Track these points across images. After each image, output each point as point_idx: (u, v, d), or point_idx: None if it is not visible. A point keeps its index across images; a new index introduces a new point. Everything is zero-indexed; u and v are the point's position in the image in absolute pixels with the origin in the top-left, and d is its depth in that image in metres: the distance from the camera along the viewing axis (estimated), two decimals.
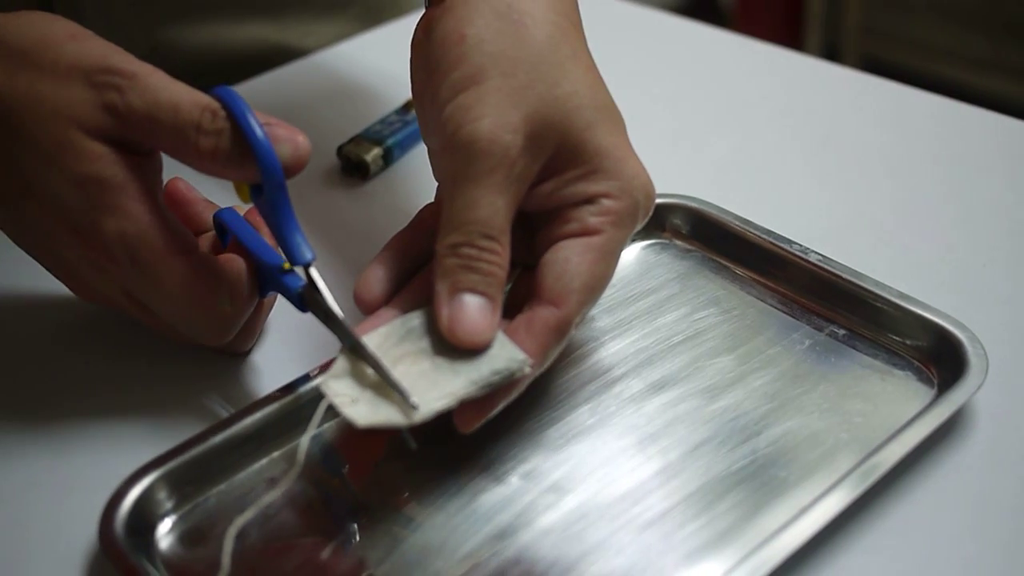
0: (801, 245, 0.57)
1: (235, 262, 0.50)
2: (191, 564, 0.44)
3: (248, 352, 0.54)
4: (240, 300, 0.49)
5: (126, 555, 0.43)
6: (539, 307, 0.47)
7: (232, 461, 0.48)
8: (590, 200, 0.48)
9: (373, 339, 0.47)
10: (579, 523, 0.45)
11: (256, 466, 0.48)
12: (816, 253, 0.56)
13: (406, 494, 0.47)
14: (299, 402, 0.49)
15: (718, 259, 0.59)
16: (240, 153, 0.46)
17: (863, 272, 0.55)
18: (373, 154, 0.68)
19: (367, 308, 0.49)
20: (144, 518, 0.45)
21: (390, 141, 0.69)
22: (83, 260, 0.48)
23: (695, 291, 0.57)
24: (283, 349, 0.54)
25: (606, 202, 0.48)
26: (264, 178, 0.46)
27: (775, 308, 0.56)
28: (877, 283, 0.54)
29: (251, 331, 0.53)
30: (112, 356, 0.55)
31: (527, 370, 0.46)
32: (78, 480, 0.48)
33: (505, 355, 0.46)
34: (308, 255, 0.48)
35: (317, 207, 0.66)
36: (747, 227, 0.59)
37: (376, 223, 0.64)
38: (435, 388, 0.45)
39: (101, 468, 0.47)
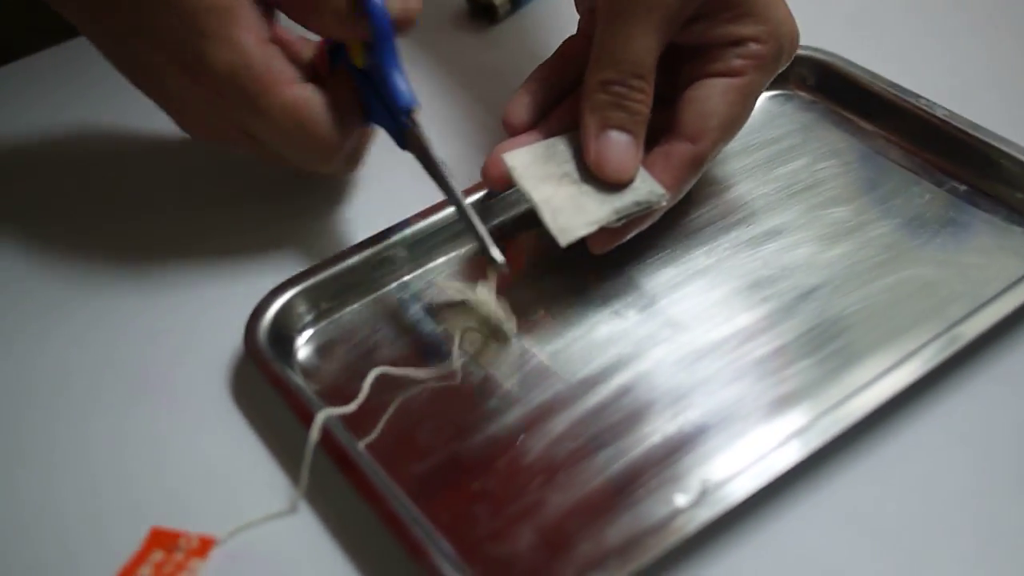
0: (928, 99, 0.57)
1: (341, 89, 0.51)
2: (326, 373, 0.47)
3: (351, 175, 0.56)
4: (345, 127, 0.50)
5: (269, 360, 0.46)
6: (676, 142, 0.49)
7: (365, 282, 0.51)
8: (737, 42, 0.49)
9: (519, 157, 0.49)
10: (690, 357, 0.47)
11: (387, 289, 0.51)
12: (942, 108, 0.56)
13: (529, 319, 0.49)
14: (430, 230, 0.52)
15: (842, 111, 0.59)
16: (354, 11, 0.47)
17: (990, 129, 0.55)
18: None
19: (514, 131, 0.52)
20: (285, 329, 0.48)
21: None
22: (193, 95, 0.49)
23: (817, 142, 0.58)
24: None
25: (753, 46, 0.49)
26: (375, 34, 0.48)
27: (896, 162, 0.56)
28: (1001, 139, 0.54)
29: (356, 157, 0.54)
30: (246, 191, 0.58)
31: (664, 203, 0.49)
32: (224, 296, 0.51)
33: (645, 188, 0.48)
34: (412, 100, 0.49)
35: (445, 50, 0.67)
36: (873, 80, 0.59)
37: (504, 66, 0.65)
38: (581, 214, 0.48)
39: (244, 286, 0.50)
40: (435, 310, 0.50)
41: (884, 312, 0.49)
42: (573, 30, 0.54)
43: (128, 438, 0.46)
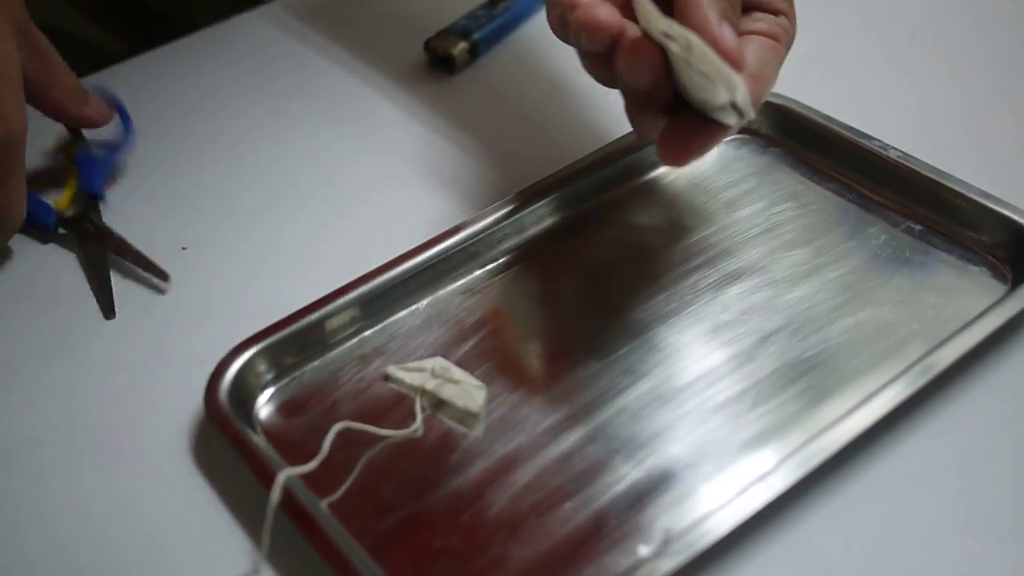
0: (881, 141, 0.57)
1: None
2: (288, 432, 0.47)
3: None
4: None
5: (230, 420, 0.46)
6: None
7: (326, 338, 0.51)
8: (775, 12, 0.51)
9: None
10: (652, 404, 0.47)
11: (348, 344, 0.51)
12: (896, 149, 0.57)
13: (484, 375, 0.49)
14: (387, 284, 0.52)
15: (797, 154, 0.60)
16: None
17: (943, 169, 0.55)
18: (460, 48, 0.69)
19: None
20: (246, 388, 0.48)
21: (476, 35, 0.70)
22: None
23: (773, 185, 0.58)
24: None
25: (784, 20, 0.51)
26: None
27: (852, 203, 0.57)
28: (955, 179, 0.55)
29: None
30: (208, 247, 0.58)
31: (747, 120, 0.46)
32: (184, 355, 0.51)
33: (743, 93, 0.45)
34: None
35: (404, 101, 0.68)
36: (827, 122, 0.59)
37: (463, 116, 0.66)
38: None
39: (204, 345, 0.50)
40: (394, 376, 0.49)
41: (843, 354, 0.49)
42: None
43: (87, 501, 0.46)
